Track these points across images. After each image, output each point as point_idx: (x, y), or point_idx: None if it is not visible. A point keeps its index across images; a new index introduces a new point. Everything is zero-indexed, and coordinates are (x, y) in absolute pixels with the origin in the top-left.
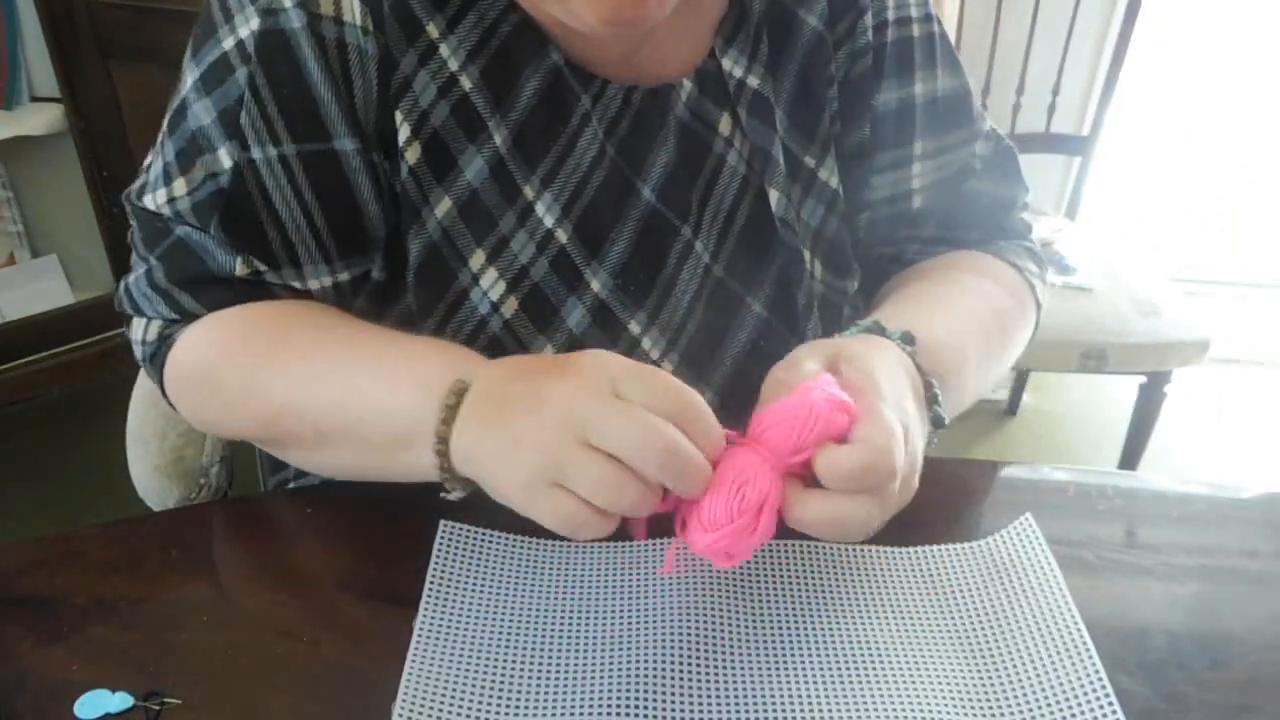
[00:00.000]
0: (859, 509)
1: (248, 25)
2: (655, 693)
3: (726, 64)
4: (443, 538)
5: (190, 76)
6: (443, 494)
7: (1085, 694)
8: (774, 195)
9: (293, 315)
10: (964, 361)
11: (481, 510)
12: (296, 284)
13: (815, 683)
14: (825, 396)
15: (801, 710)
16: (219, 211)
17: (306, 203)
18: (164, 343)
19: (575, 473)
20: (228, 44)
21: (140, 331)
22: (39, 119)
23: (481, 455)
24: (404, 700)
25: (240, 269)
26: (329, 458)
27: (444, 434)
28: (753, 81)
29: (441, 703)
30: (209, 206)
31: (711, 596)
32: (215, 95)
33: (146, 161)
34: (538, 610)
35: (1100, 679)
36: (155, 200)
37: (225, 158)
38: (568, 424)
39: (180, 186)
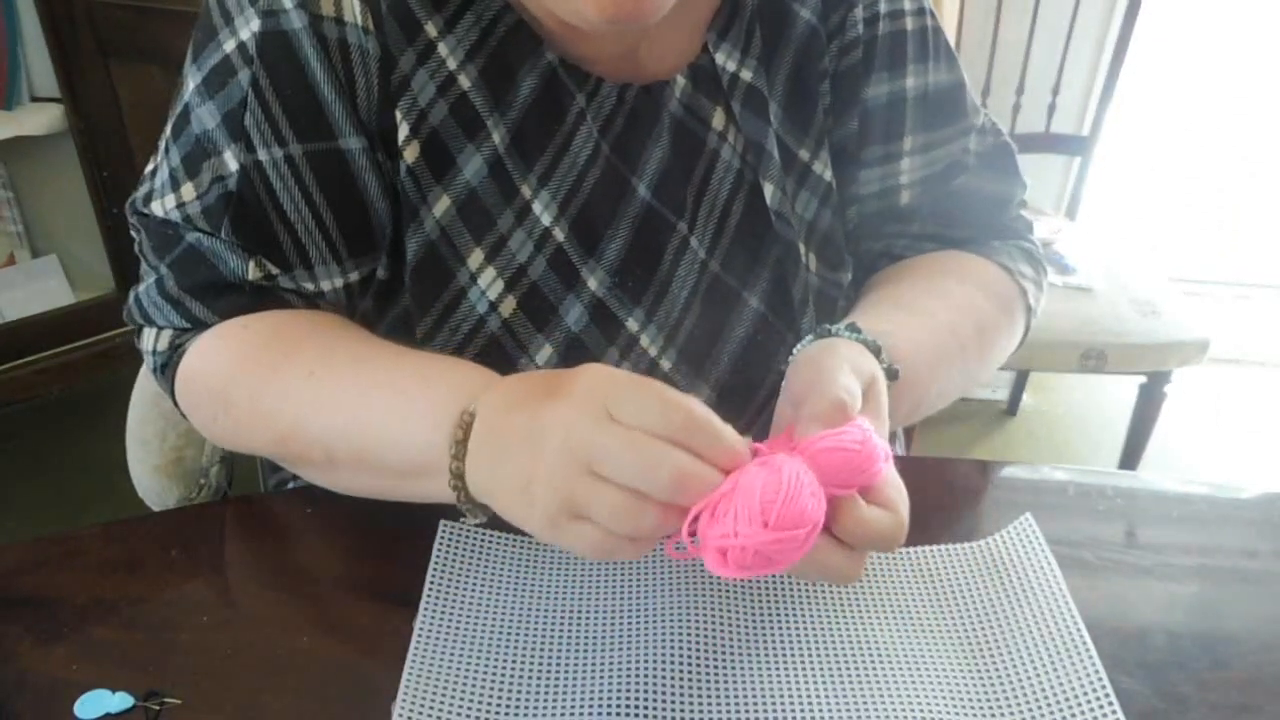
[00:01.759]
0: (859, 562)
1: (249, 27)
2: (655, 693)
3: (720, 58)
4: (443, 538)
5: (192, 81)
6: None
7: (1085, 694)
8: (769, 189)
9: (303, 327)
10: (930, 382)
11: None
12: (309, 285)
13: (815, 683)
14: (884, 450)
15: (801, 710)
16: (229, 215)
17: (315, 203)
18: (175, 352)
19: (589, 505)
20: (229, 46)
21: (151, 341)
22: (39, 119)
23: (496, 493)
24: (404, 700)
25: (253, 272)
26: (344, 478)
27: (458, 470)
28: (746, 75)
29: (441, 703)
30: (219, 210)
31: (711, 596)
32: (219, 98)
33: (149, 168)
34: (538, 610)
35: (1100, 679)
36: (164, 206)
37: (231, 160)
38: (570, 457)
39: (189, 191)
